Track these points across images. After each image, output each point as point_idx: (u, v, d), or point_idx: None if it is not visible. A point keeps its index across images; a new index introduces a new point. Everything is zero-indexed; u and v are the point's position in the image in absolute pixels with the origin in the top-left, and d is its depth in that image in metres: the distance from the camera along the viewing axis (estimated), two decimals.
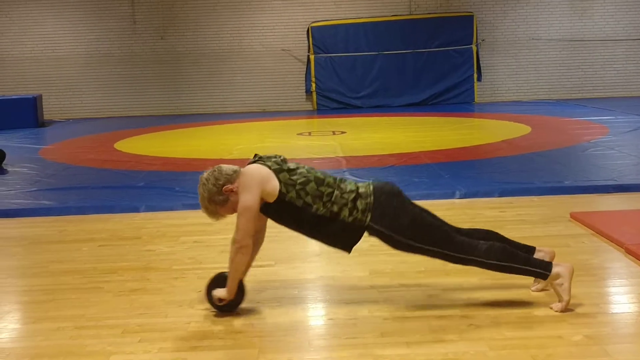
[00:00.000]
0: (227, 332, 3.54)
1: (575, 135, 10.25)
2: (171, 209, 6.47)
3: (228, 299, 3.74)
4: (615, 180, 6.79)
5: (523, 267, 3.63)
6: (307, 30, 16.68)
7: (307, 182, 3.69)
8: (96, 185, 7.65)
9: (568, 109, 14.31)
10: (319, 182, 3.71)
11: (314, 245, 5.14)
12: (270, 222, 3.87)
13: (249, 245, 3.68)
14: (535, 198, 6.36)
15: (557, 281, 3.61)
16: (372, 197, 3.68)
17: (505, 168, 7.79)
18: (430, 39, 16.53)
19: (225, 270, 3.77)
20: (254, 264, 4.64)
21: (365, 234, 3.72)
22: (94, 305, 4.01)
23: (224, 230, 5.63)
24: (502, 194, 6.55)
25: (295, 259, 4.79)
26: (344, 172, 7.69)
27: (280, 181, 3.66)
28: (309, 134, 12.09)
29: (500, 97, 16.96)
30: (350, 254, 3.64)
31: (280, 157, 3.85)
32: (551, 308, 3.64)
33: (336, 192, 3.69)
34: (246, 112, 16.61)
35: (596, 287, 3.99)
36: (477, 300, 3.83)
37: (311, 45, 16.67)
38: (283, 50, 16.87)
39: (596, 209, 5.85)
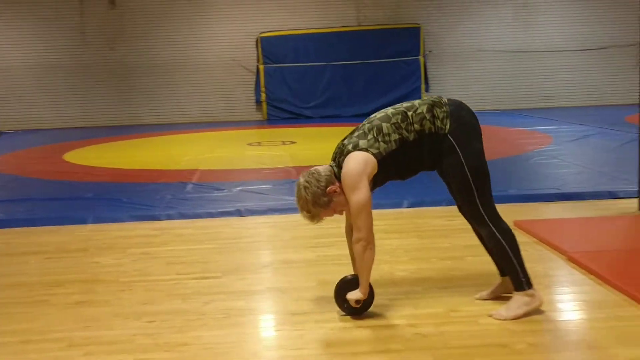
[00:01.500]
0: (173, 344, 3.52)
1: (520, 144, 10.43)
2: (119, 220, 6.42)
3: (364, 299, 3.75)
4: (559, 189, 6.91)
5: (519, 267, 3.70)
6: (256, 41, 16.70)
7: (380, 127, 3.69)
8: (45, 197, 7.55)
9: (514, 119, 14.55)
10: (386, 119, 3.71)
11: (263, 257, 5.18)
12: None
13: (373, 239, 3.69)
14: None
15: (526, 300, 3.69)
16: (448, 107, 3.72)
17: None
18: (378, 50, 16.66)
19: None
20: (199, 275, 4.67)
21: None
22: (39, 319, 3.96)
23: (172, 242, 5.64)
24: (450, 203, 6.54)
25: (243, 270, 4.78)
26: (293, 182, 7.68)
27: (367, 149, 3.65)
28: (259, 144, 12.09)
29: None
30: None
31: (342, 142, 3.80)
32: (491, 315, 3.70)
33: (409, 112, 3.70)
34: (197, 122, 16.52)
35: None
36: (423, 309, 3.87)
37: (260, 55, 16.69)
38: (233, 60, 16.84)
39: (540, 217, 5.96)
